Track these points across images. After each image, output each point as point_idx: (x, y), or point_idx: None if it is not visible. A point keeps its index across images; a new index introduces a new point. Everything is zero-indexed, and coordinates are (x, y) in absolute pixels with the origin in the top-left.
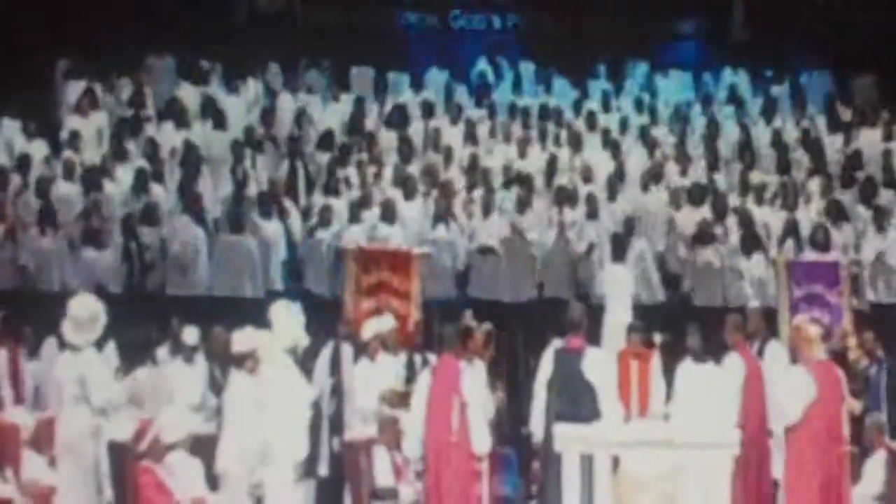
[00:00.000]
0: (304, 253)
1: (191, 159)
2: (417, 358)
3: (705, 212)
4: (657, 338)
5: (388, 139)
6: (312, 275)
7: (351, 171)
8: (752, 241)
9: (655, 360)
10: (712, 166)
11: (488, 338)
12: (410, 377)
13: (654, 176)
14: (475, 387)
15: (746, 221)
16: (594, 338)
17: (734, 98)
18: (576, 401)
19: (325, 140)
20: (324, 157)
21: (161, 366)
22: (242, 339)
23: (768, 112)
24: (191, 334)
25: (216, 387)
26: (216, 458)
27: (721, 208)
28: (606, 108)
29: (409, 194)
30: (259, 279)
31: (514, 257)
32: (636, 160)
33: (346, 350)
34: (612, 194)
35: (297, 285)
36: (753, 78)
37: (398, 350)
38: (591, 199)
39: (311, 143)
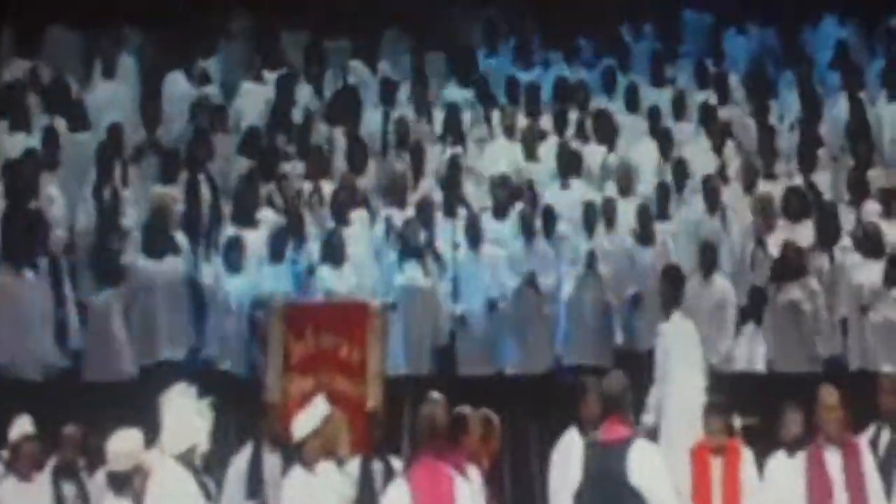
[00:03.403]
0: (206, 310)
1: (29, 173)
2: (377, 465)
3: (808, 232)
4: (736, 422)
5: (329, 138)
6: (217, 343)
7: (272, 188)
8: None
9: (748, 457)
10: (810, 163)
11: (488, 431)
12: (367, 494)
13: (725, 178)
14: None
15: (872, 242)
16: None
17: (841, 59)
18: None
19: (244, 141)
20: (236, 167)
21: None
22: (125, 447)
23: (894, 79)
24: (19, 427)
25: None
26: None
27: (830, 225)
28: (655, 79)
29: (361, 220)
30: (139, 350)
31: (522, 312)
32: (698, 156)
33: (271, 458)
34: (663, 207)
35: (193, 359)
36: (869, 29)
37: (348, 454)
38: (642, 215)
39: (219, 147)
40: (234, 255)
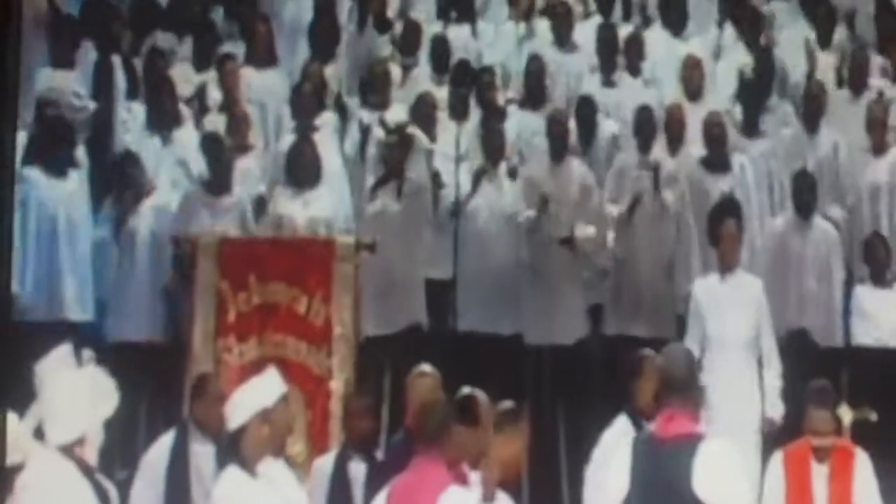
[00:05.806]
0: (105, 251)
1: None
2: (357, 465)
3: None
4: (845, 414)
5: (286, 7)
6: (122, 297)
7: (211, 76)
8: None
9: (863, 462)
10: None
11: (511, 430)
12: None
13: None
14: None
15: None
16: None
17: None
18: None
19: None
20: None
21: None
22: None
23: None
24: None
25: None
26: None
27: None
28: None
29: (328, 126)
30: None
31: (544, 256)
32: (795, 49)
33: (201, 450)
34: (750, 124)
35: (96, 316)
36: None
37: (303, 451)
38: (712, 127)
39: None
40: (132, 173)
